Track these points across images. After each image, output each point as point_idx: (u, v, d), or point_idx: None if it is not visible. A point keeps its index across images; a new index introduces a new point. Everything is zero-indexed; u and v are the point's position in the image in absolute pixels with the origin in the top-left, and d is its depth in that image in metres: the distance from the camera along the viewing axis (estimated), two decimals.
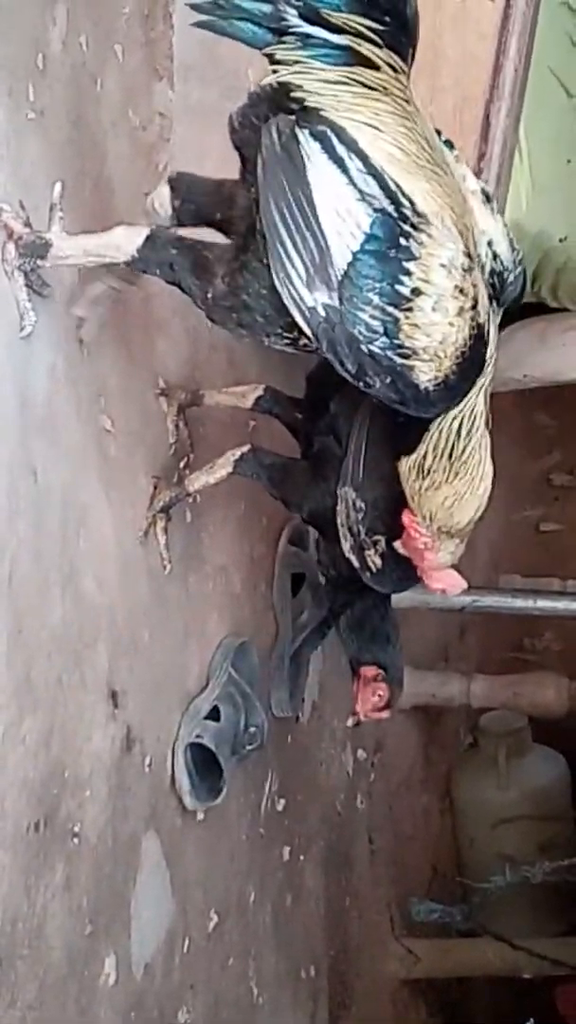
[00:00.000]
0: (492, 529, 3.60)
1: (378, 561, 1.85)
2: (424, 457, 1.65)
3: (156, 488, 1.95)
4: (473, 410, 1.62)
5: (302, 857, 2.62)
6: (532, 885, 3.10)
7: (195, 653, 2.10)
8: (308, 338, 1.53)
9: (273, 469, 1.98)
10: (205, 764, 2.05)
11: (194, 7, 1.49)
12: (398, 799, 3.33)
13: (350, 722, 2.13)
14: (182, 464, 2.05)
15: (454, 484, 1.67)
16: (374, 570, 1.87)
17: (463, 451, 1.64)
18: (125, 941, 1.86)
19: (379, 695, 2.07)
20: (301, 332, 1.53)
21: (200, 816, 2.10)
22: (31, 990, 1.60)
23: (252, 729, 2.15)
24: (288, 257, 1.48)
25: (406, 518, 1.73)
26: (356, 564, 1.88)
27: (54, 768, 1.65)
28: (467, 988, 3.62)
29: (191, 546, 2.09)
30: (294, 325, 1.53)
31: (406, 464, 1.68)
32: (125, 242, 1.62)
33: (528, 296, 2.58)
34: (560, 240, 2.38)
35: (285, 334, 1.59)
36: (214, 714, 2.08)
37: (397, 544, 1.81)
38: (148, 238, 1.62)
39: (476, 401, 1.62)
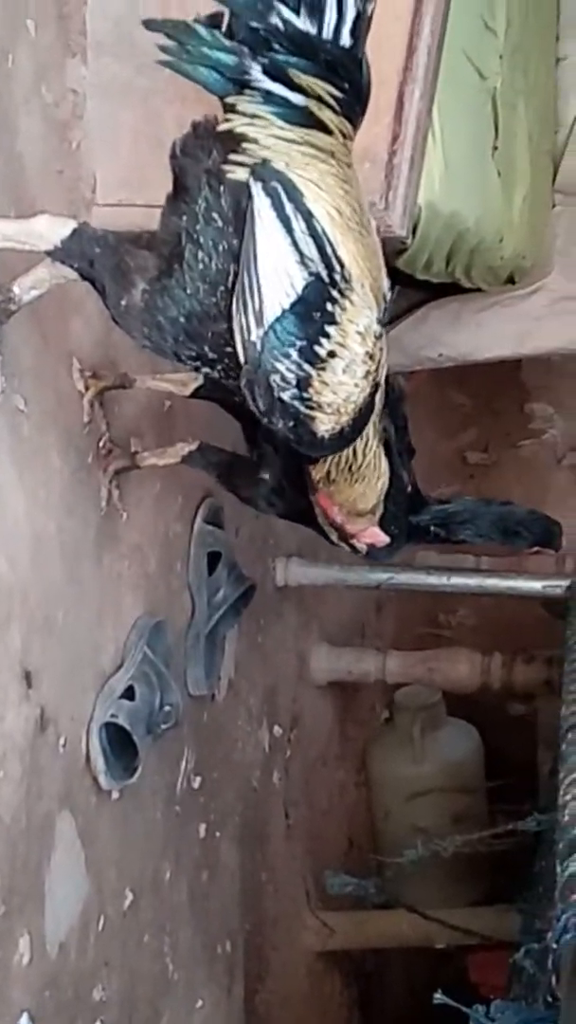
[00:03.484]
0: None
1: (364, 545, 2.01)
2: (328, 472, 1.82)
3: (110, 453, 2.03)
4: (367, 432, 1.76)
5: (218, 833, 2.64)
6: (444, 857, 3.15)
7: (110, 633, 2.10)
8: (213, 370, 1.65)
9: (220, 466, 2.08)
10: (120, 743, 2.06)
11: (162, 48, 1.52)
12: (314, 774, 3.36)
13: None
14: (100, 443, 2.04)
15: (355, 487, 1.83)
16: (364, 551, 2.02)
17: (360, 465, 1.80)
18: (39, 921, 1.86)
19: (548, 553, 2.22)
20: (205, 363, 1.65)
21: (115, 795, 2.10)
22: None
23: (167, 708, 2.16)
24: (245, 291, 1.56)
25: (322, 501, 1.88)
26: (347, 549, 2.03)
27: None
28: (382, 959, 3.68)
29: (106, 525, 2.08)
30: (199, 357, 1.64)
31: (315, 473, 1.84)
32: (49, 231, 1.62)
33: (442, 276, 2.62)
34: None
35: (189, 361, 1.67)
36: (129, 693, 2.08)
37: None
38: (75, 231, 1.63)
39: (370, 425, 1.75)
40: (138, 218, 1.97)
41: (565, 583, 3.01)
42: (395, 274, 2.36)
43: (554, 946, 1.32)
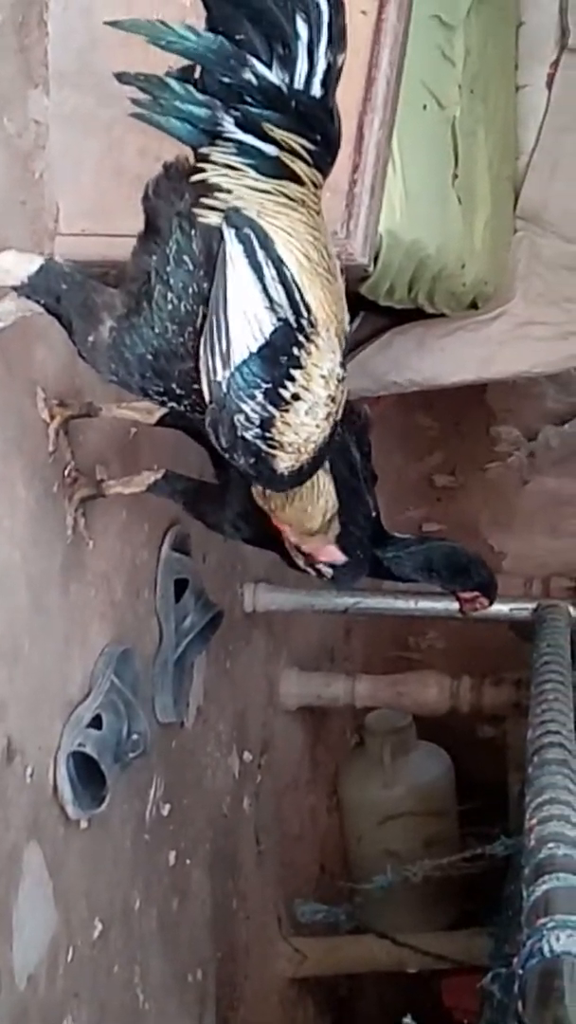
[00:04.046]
0: None
1: (330, 571, 2.05)
2: (263, 492, 1.85)
3: (76, 481, 2.03)
4: None
5: (188, 861, 2.63)
6: (415, 882, 3.15)
7: (77, 661, 2.10)
8: (180, 405, 1.68)
9: (186, 494, 2.11)
10: (88, 773, 2.05)
11: (134, 101, 1.54)
12: (285, 800, 3.36)
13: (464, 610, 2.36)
14: (65, 471, 2.04)
15: (293, 506, 1.87)
16: (329, 576, 2.06)
17: None
18: (7, 953, 1.85)
19: (480, 604, 2.34)
20: (171, 398, 1.67)
21: (83, 825, 2.09)
22: None
23: (135, 736, 2.15)
24: (212, 333, 1.58)
25: (276, 523, 1.92)
26: (314, 575, 2.07)
27: None
28: (355, 984, 3.67)
29: (72, 553, 2.08)
30: (166, 392, 1.67)
31: (254, 490, 1.87)
32: (15, 267, 1.64)
33: (405, 303, 2.64)
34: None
35: (156, 396, 1.69)
36: (96, 722, 2.08)
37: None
38: (42, 268, 1.64)
39: None
40: (101, 248, 1.99)
41: (531, 606, 3.02)
42: (358, 300, 2.39)
43: (520, 971, 1.33)
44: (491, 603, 2.37)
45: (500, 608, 3.09)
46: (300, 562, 2.05)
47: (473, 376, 3.07)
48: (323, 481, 1.86)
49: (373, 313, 2.79)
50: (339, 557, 2.01)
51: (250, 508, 2.00)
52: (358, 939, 3.30)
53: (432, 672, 3.45)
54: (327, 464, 1.83)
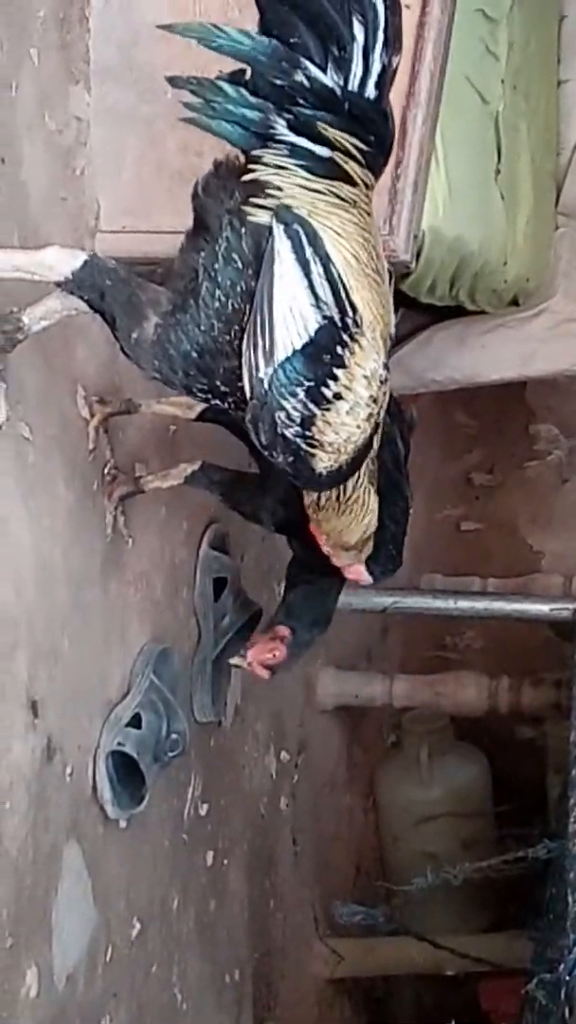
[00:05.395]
0: (413, 529, 3.59)
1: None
2: (318, 499, 1.82)
3: (115, 479, 2.02)
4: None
5: (226, 861, 2.62)
6: (454, 884, 3.13)
7: (116, 660, 2.09)
8: (224, 402, 1.67)
9: (223, 485, 2.08)
10: (127, 772, 2.04)
11: (186, 104, 1.54)
12: (322, 800, 3.34)
13: (234, 661, 2.17)
14: (105, 469, 2.04)
15: (341, 519, 1.84)
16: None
17: (349, 499, 1.81)
18: (47, 952, 1.84)
19: (275, 653, 2.13)
20: (215, 395, 1.66)
21: (122, 824, 2.09)
22: None
23: (174, 736, 2.14)
24: (256, 328, 1.58)
25: (312, 529, 1.89)
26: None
27: None
28: (391, 986, 3.65)
29: (112, 552, 2.07)
30: (210, 390, 1.66)
31: (306, 498, 1.84)
32: (59, 263, 1.63)
33: (447, 300, 2.62)
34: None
35: (200, 393, 1.68)
36: (135, 721, 2.07)
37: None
38: (86, 263, 1.63)
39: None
40: (141, 244, 1.98)
41: (572, 606, 3.00)
42: (399, 297, 2.37)
43: (567, 978, 1.31)
44: (277, 666, 2.13)
45: (540, 607, 3.08)
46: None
47: (514, 374, 3.05)
48: (372, 500, 1.85)
49: (413, 310, 2.77)
50: (365, 579, 2.00)
51: (291, 495, 1.98)
52: (395, 941, 3.28)
53: (470, 672, 3.42)
54: (375, 480, 1.82)
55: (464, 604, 3.07)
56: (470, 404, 3.85)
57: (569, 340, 2.97)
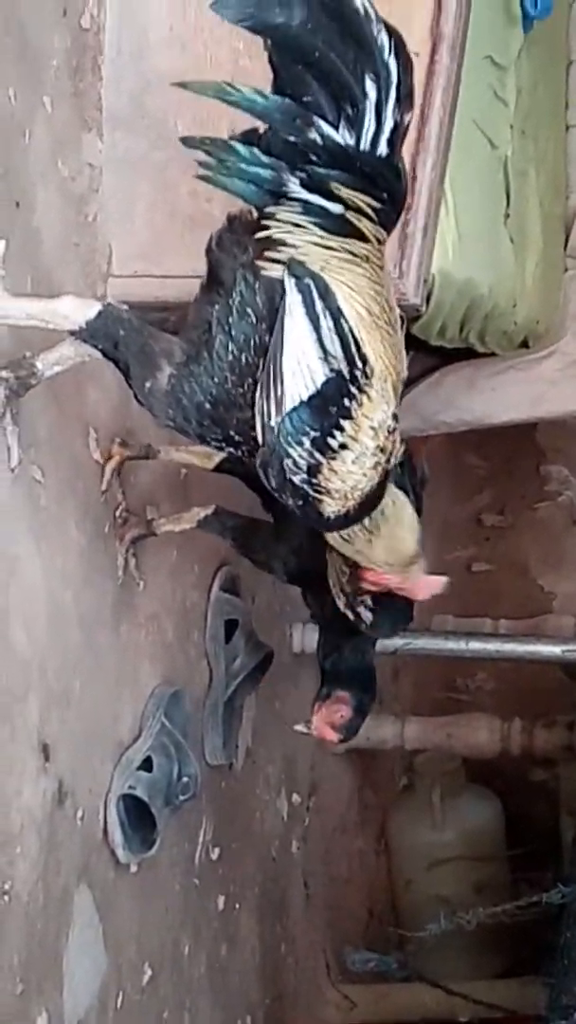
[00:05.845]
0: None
1: (370, 615, 1.96)
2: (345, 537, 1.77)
3: (127, 522, 2.03)
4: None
5: (237, 905, 2.60)
6: (468, 929, 3.10)
7: (127, 703, 2.09)
8: (238, 450, 1.69)
9: (237, 531, 2.09)
10: (138, 815, 2.04)
11: (200, 164, 1.57)
12: (333, 843, 3.32)
13: (300, 727, 2.13)
14: (116, 512, 2.04)
15: (379, 537, 1.78)
16: (368, 622, 1.97)
17: (370, 518, 1.75)
18: (57, 998, 1.83)
19: (342, 714, 2.10)
20: (229, 444, 1.68)
21: (133, 868, 2.08)
22: None
23: (185, 779, 2.14)
24: (269, 378, 1.60)
25: (368, 575, 1.83)
26: (352, 618, 1.97)
27: None
28: None
29: (123, 594, 2.07)
30: (224, 440, 1.68)
31: (329, 538, 1.79)
32: (74, 312, 1.65)
33: (456, 342, 2.63)
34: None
35: (213, 442, 1.70)
36: (147, 765, 2.06)
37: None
38: (100, 313, 1.65)
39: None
40: (153, 288, 2.00)
41: None
42: (409, 340, 2.38)
43: None
44: (346, 726, 2.11)
45: (552, 649, 3.07)
46: (341, 603, 1.99)
47: (524, 415, 3.05)
48: (399, 507, 1.79)
49: (423, 352, 2.78)
50: (438, 581, 1.87)
51: (302, 544, 1.98)
52: (409, 987, 3.24)
53: (482, 714, 3.40)
54: (400, 490, 1.80)
55: (476, 645, 3.05)
56: (480, 446, 3.86)
57: None
